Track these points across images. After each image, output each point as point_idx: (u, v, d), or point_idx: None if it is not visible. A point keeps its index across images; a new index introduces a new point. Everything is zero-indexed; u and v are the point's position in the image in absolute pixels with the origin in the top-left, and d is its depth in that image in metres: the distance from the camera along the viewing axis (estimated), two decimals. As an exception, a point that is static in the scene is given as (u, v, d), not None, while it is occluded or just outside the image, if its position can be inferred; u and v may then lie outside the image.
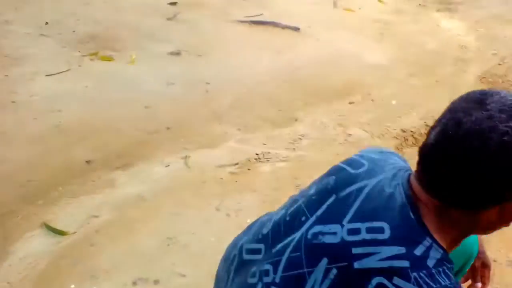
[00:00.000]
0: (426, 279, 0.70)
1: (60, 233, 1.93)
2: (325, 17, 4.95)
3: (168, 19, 3.99)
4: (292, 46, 4.10)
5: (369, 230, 0.76)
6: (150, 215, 2.07)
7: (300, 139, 2.75)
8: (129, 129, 2.68)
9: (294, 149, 2.65)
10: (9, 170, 2.21)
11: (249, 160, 2.52)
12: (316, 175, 0.96)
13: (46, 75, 3.00)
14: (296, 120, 2.97)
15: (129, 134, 2.64)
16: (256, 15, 4.52)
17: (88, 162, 2.36)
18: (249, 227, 1.05)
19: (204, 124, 2.85)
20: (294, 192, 2.32)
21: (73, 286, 1.71)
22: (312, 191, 0.91)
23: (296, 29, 4.41)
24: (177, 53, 3.56)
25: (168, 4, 4.23)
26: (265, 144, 2.70)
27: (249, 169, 2.44)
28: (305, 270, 0.79)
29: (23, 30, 3.43)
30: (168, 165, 2.44)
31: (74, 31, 3.53)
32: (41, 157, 2.32)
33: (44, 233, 1.93)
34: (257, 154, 2.57)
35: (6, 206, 2.01)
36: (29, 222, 1.97)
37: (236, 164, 2.48)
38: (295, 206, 0.91)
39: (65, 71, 3.08)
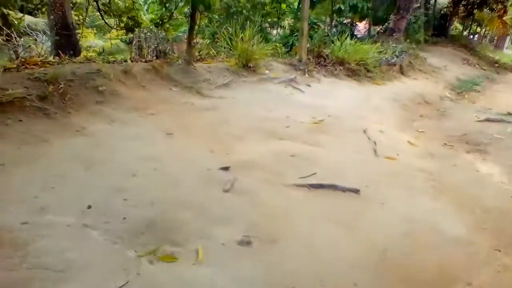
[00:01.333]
0: None
1: None
2: (373, 171, 4.40)
3: (225, 191, 3.28)
4: (362, 217, 3.44)
5: None
6: None
7: None
8: None
9: None
10: None
11: None
12: None
13: (101, 299, 2.15)
14: None
15: None
16: (310, 175, 3.90)
17: None
18: None
19: None
20: None
21: None
22: None
23: (356, 191, 3.80)
24: (248, 242, 2.80)
25: (219, 169, 3.56)
26: None
27: None
28: None
29: (63, 221, 2.61)
30: None
31: (124, 218, 2.74)
32: None
33: None
34: None
35: None
36: None
37: None
38: None
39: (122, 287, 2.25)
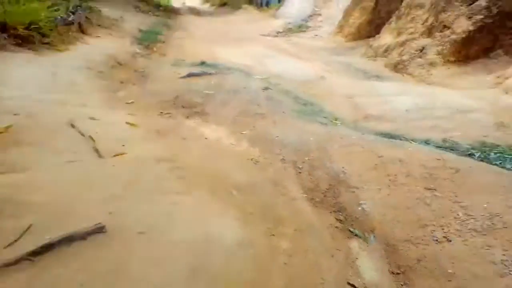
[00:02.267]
0: None
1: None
2: (106, 185, 3.14)
3: None
4: (128, 272, 2.31)
5: None
6: None
7: None
8: None
9: None
10: None
11: None
12: None
13: None
14: None
15: None
16: (24, 232, 2.40)
17: None
18: None
19: None
20: None
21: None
22: None
23: (100, 229, 2.58)
24: None
25: None
26: None
27: None
28: None
29: None
30: None
31: None
32: None
33: None
34: None
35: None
36: None
37: None
38: None
39: None
